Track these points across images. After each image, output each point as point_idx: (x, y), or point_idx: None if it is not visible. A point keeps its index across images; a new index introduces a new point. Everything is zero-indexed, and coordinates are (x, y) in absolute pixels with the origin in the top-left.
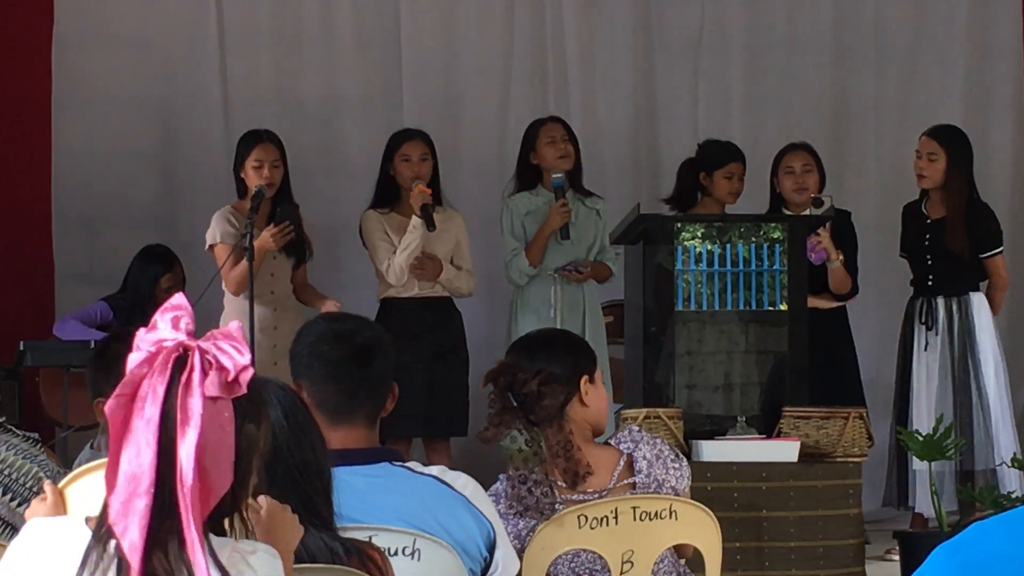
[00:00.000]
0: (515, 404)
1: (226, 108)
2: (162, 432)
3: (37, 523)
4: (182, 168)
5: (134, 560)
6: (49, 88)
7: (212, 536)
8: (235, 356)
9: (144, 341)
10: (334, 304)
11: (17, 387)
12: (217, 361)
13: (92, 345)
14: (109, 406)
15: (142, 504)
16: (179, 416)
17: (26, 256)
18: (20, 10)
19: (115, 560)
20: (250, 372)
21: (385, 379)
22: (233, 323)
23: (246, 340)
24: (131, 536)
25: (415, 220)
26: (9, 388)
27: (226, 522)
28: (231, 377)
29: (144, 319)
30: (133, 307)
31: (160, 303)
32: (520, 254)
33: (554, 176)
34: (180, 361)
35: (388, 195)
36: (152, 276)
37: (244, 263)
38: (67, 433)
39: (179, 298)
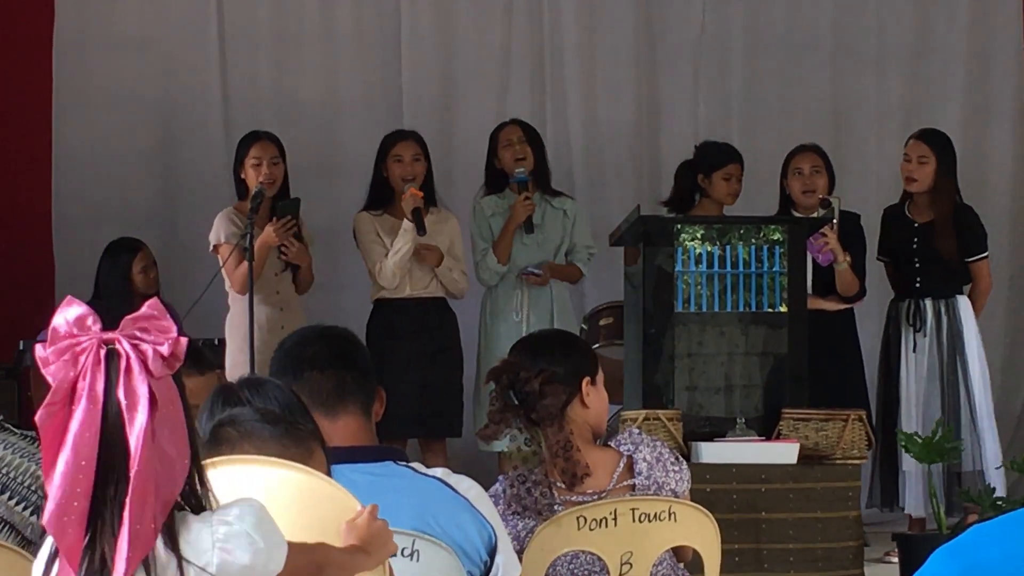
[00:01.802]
0: (516, 403)
1: (226, 108)
2: (104, 428)
3: None
4: (182, 168)
5: (72, 561)
6: (49, 88)
7: (192, 516)
8: (161, 334)
9: (53, 352)
10: None
11: (16, 386)
12: (150, 343)
13: None
14: (40, 416)
15: (79, 506)
16: (125, 403)
17: (26, 256)
18: (20, 10)
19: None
20: (184, 341)
21: (367, 369)
22: (149, 302)
23: (164, 313)
24: (68, 540)
25: (406, 223)
26: (8, 387)
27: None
28: (168, 352)
29: (131, 309)
30: (115, 301)
31: (139, 289)
32: (489, 253)
33: (517, 172)
34: (110, 355)
35: (381, 196)
36: (124, 264)
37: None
38: None
39: (71, 304)
